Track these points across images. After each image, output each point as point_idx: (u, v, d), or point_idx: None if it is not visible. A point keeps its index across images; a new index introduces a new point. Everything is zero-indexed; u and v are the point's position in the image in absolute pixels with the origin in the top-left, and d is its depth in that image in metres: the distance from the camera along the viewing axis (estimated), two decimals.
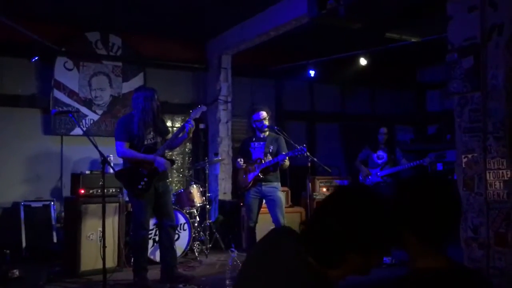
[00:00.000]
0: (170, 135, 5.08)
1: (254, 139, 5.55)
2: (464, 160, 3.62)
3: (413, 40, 5.15)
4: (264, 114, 5.50)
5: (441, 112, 9.30)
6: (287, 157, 5.28)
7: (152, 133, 4.84)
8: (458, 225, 1.53)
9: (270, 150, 5.41)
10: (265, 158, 5.37)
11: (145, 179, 4.69)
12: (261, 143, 5.48)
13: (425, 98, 10.11)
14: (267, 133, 5.54)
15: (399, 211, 1.52)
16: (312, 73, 7.83)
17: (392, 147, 6.65)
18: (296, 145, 5.38)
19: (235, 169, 6.01)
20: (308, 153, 5.63)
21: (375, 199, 1.45)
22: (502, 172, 3.38)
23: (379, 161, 6.56)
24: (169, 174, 7.54)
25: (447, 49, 3.74)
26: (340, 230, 1.37)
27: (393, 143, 6.83)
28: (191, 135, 4.97)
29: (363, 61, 7.40)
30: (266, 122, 5.50)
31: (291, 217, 6.25)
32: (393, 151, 6.59)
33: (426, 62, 9.40)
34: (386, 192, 6.41)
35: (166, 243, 4.93)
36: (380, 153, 6.58)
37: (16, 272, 4.76)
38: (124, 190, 5.34)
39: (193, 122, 4.82)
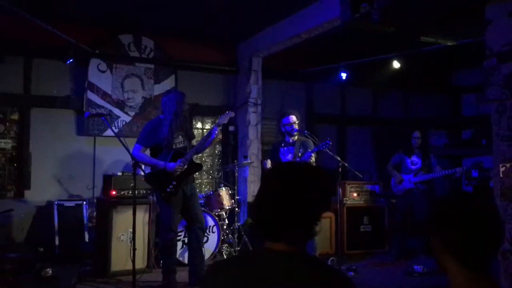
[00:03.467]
0: (195, 139, 5.14)
1: (283, 144, 5.58)
2: (502, 169, 3.50)
3: (448, 43, 5.01)
4: (294, 118, 5.52)
5: (476, 117, 9.03)
6: (312, 157, 5.26)
7: (180, 137, 4.88)
8: (499, 247, 1.45)
9: (300, 153, 5.40)
10: (294, 160, 5.37)
11: (173, 182, 4.72)
12: (290, 147, 5.49)
13: (460, 102, 9.84)
14: (296, 137, 5.52)
15: (438, 235, 1.46)
16: (343, 75, 7.73)
17: (426, 152, 6.49)
18: (327, 150, 5.33)
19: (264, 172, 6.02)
20: (339, 158, 5.58)
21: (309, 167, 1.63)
22: None
23: (413, 167, 6.41)
24: (199, 176, 7.61)
25: (484, 53, 3.62)
26: (315, 202, 1.50)
27: (427, 148, 6.67)
28: (218, 137, 5.00)
29: (396, 64, 7.27)
30: (296, 126, 5.50)
31: (321, 223, 6.17)
32: (428, 156, 6.44)
33: (461, 65, 9.15)
34: (418, 199, 6.27)
35: (195, 245, 4.95)
36: (414, 158, 6.43)
37: (49, 271, 4.85)
38: (154, 192, 5.40)
39: (218, 130, 4.84)
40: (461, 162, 7.64)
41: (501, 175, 3.50)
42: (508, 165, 3.45)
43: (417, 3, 3.73)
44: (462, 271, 1.42)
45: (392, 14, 3.82)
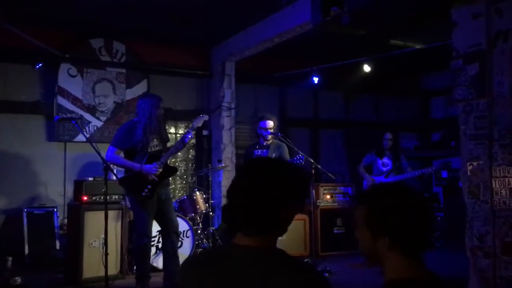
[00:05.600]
0: (169, 143, 5.13)
1: (257, 147, 5.67)
2: (470, 167, 3.59)
3: (417, 47, 5.13)
4: (271, 123, 5.66)
5: (445, 119, 9.25)
6: None
7: (155, 140, 4.84)
8: (430, 235, 1.52)
9: (273, 156, 5.46)
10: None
11: (148, 186, 4.67)
12: (264, 150, 5.58)
13: (429, 105, 10.06)
14: (271, 141, 5.62)
15: (373, 222, 1.50)
16: (315, 80, 7.81)
17: (397, 154, 6.61)
18: (300, 152, 5.40)
19: None
20: (312, 160, 5.63)
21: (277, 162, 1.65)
22: (508, 180, 3.34)
23: (384, 169, 6.51)
24: (172, 181, 7.55)
25: (451, 55, 3.72)
26: (273, 192, 1.48)
27: (398, 150, 6.79)
28: (191, 142, 5.01)
29: (366, 68, 7.39)
30: (271, 131, 5.62)
31: (295, 225, 6.21)
32: (398, 158, 6.55)
33: (430, 69, 9.36)
34: None
35: (170, 250, 4.90)
36: (386, 160, 6.53)
37: (18, 280, 4.73)
38: (127, 197, 5.33)
39: (192, 134, 4.85)
40: (432, 164, 7.79)
41: (468, 174, 3.59)
42: (475, 163, 3.54)
43: (385, 6, 3.81)
44: (395, 256, 1.47)
45: (361, 17, 3.90)
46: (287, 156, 5.57)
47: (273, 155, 5.51)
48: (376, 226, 1.49)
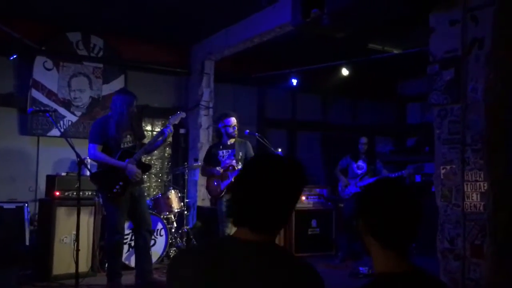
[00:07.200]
0: (146, 140, 5.04)
1: (221, 147, 5.40)
2: (443, 171, 3.65)
3: (395, 51, 5.20)
4: (235, 120, 5.40)
5: (420, 125, 9.41)
6: None
7: (129, 136, 4.77)
8: (417, 230, 1.53)
9: (240, 156, 5.35)
10: (237, 165, 5.29)
11: (120, 183, 4.60)
12: (229, 150, 5.35)
13: (405, 111, 10.23)
14: (233, 140, 5.43)
15: (360, 217, 1.54)
16: (294, 81, 7.85)
17: (372, 157, 6.68)
18: (277, 150, 5.36)
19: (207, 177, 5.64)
20: None
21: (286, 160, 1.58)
22: (479, 184, 3.40)
23: (359, 171, 6.58)
24: (147, 179, 7.48)
25: (428, 61, 3.78)
26: (289, 191, 1.50)
27: (373, 154, 6.87)
28: (169, 140, 4.93)
29: (345, 72, 7.46)
30: (236, 130, 5.40)
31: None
32: (373, 161, 6.63)
33: (407, 75, 9.53)
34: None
35: (142, 248, 4.85)
36: (360, 163, 6.61)
37: None
38: (99, 193, 5.24)
39: (172, 128, 4.78)
40: (406, 168, 7.91)
41: (441, 177, 3.65)
42: (448, 167, 3.60)
43: (365, 9, 3.85)
44: (382, 252, 1.50)
45: (341, 19, 3.92)
46: (252, 153, 5.51)
47: (240, 153, 5.40)
48: (356, 208, 1.58)
